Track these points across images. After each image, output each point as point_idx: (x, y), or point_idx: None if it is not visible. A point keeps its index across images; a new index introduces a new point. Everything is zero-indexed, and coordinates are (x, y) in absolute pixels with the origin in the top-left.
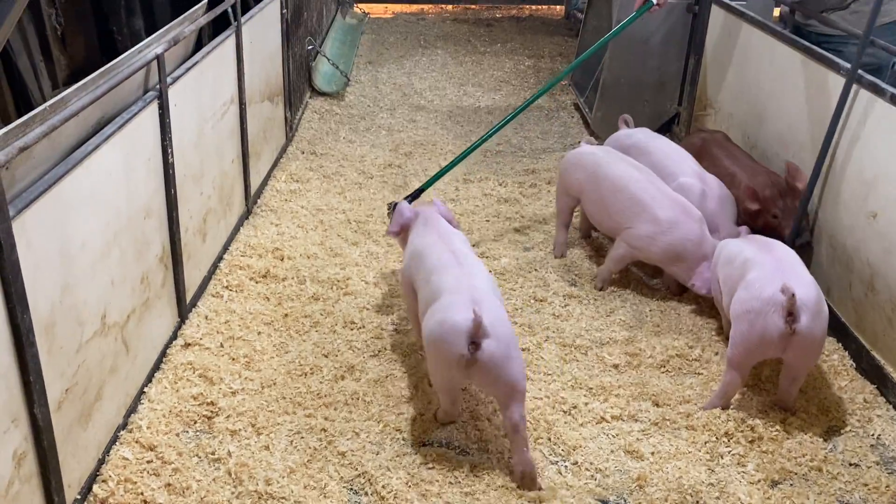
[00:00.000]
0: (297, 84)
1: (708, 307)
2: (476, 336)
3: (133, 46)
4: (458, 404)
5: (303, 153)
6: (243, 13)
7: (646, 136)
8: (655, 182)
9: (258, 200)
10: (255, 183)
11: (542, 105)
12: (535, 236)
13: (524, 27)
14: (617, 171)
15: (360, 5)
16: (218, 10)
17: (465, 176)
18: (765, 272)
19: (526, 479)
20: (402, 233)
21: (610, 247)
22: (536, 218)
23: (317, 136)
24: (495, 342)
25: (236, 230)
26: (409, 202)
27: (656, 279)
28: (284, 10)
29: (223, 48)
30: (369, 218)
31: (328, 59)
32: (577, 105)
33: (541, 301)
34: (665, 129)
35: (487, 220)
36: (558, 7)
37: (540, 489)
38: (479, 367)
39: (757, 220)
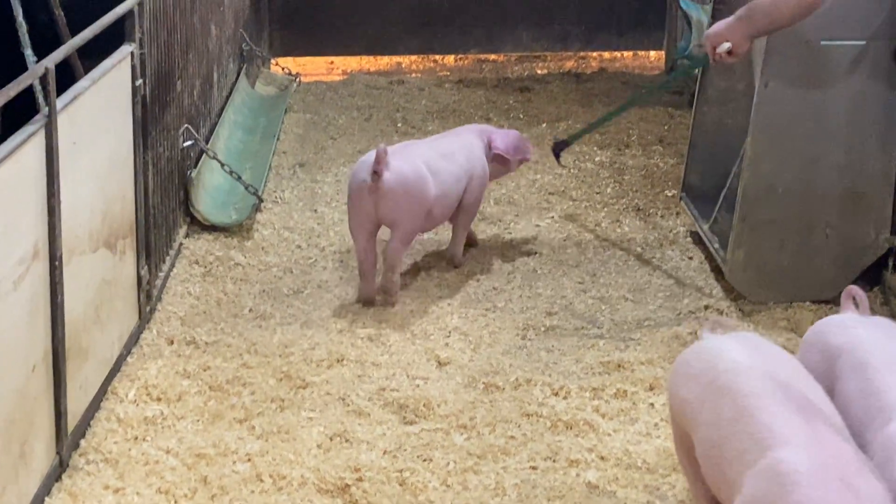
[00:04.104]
0: (163, 214)
1: None
2: (378, 167)
3: None
4: (369, 255)
5: (171, 344)
6: (63, 89)
7: (877, 339)
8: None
9: (82, 441)
10: (76, 408)
11: (633, 236)
12: (627, 497)
13: (590, 91)
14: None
15: (283, 61)
16: (13, 89)
17: (488, 378)
18: None
19: (383, 293)
20: None
21: None
22: (629, 461)
23: (199, 312)
24: (394, 176)
25: (38, 503)
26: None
27: None
28: (139, 81)
29: (20, 158)
30: (303, 472)
31: (222, 164)
32: (698, 235)
33: None
34: (870, 278)
35: (534, 467)
36: (652, 53)
37: (393, 304)
38: (377, 196)
39: None
